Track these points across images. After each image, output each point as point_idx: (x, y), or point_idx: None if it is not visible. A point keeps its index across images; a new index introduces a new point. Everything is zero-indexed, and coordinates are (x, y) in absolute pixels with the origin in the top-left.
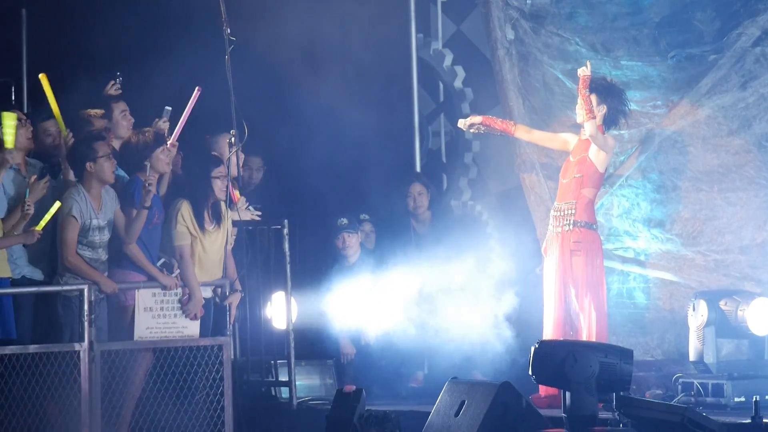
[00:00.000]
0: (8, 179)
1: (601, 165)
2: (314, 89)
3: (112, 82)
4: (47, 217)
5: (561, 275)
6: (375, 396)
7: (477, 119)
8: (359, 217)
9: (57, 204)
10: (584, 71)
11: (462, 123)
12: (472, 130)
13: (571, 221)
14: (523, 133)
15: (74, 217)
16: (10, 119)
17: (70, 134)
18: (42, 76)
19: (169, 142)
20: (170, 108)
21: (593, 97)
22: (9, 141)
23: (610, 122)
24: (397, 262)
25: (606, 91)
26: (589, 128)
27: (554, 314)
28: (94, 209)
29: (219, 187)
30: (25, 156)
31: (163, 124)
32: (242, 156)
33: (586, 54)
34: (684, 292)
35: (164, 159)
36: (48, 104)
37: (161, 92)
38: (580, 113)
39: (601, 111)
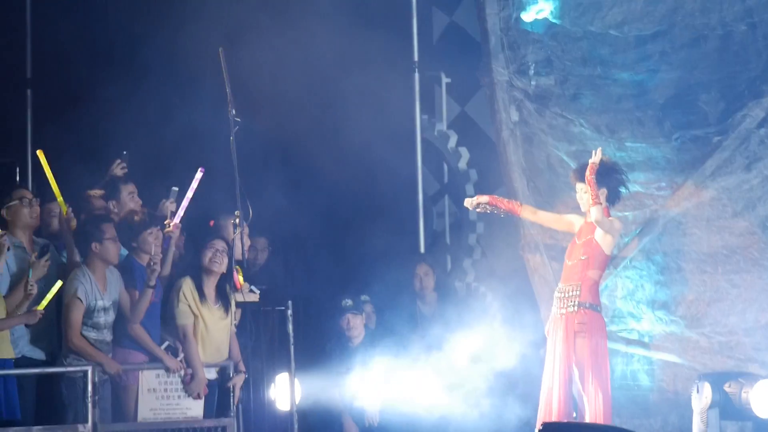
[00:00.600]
0: (12, 256)
1: (607, 247)
2: (319, 169)
3: (118, 160)
4: (48, 296)
5: (565, 356)
6: None
7: (484, 198)
8: (361, 298)
9: (59, 283)
10: (595, 159)
11: (468, 202)
12: (478, 210)
13: (576, 302)
14: (528, 213)
15: (79, 298)
16: None
17: (70, 210)
18: (39, 153)
19: (172, 224)
20: (177, 189)
21: None
22: None
23: (613, 199)
24: (402, 344)
25: (601, 173)
26: (594, 213)
27: (556, 395)
28: (99, 290)
29: (208, 257)
30: (32, 234)
31: (170, 205)
32: (248, 242)
33: (590, 135)
34: (688, 374)
35: (152, 241)
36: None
37: (166, 171)
38: (582, 202)
39: (602, 195)
